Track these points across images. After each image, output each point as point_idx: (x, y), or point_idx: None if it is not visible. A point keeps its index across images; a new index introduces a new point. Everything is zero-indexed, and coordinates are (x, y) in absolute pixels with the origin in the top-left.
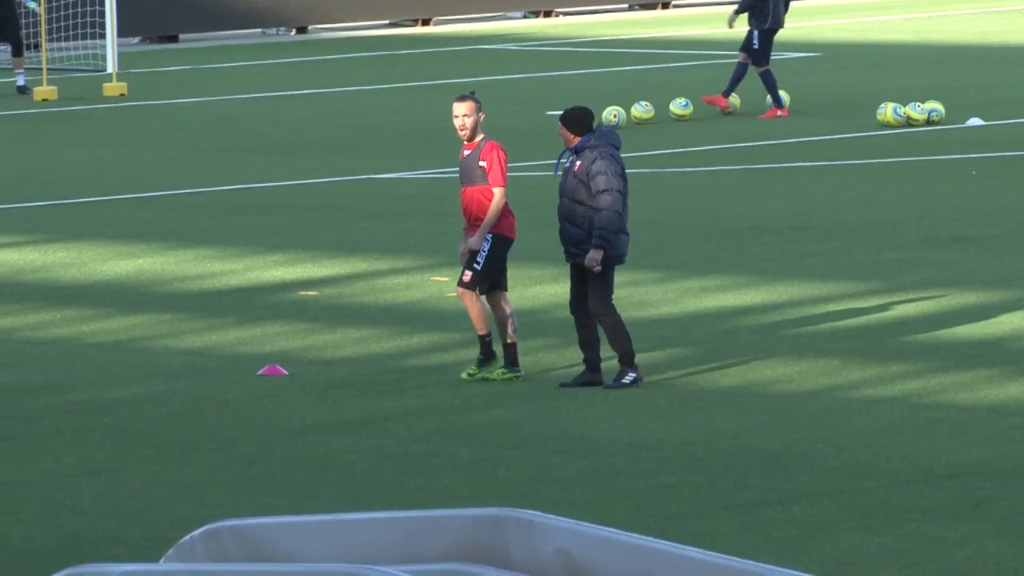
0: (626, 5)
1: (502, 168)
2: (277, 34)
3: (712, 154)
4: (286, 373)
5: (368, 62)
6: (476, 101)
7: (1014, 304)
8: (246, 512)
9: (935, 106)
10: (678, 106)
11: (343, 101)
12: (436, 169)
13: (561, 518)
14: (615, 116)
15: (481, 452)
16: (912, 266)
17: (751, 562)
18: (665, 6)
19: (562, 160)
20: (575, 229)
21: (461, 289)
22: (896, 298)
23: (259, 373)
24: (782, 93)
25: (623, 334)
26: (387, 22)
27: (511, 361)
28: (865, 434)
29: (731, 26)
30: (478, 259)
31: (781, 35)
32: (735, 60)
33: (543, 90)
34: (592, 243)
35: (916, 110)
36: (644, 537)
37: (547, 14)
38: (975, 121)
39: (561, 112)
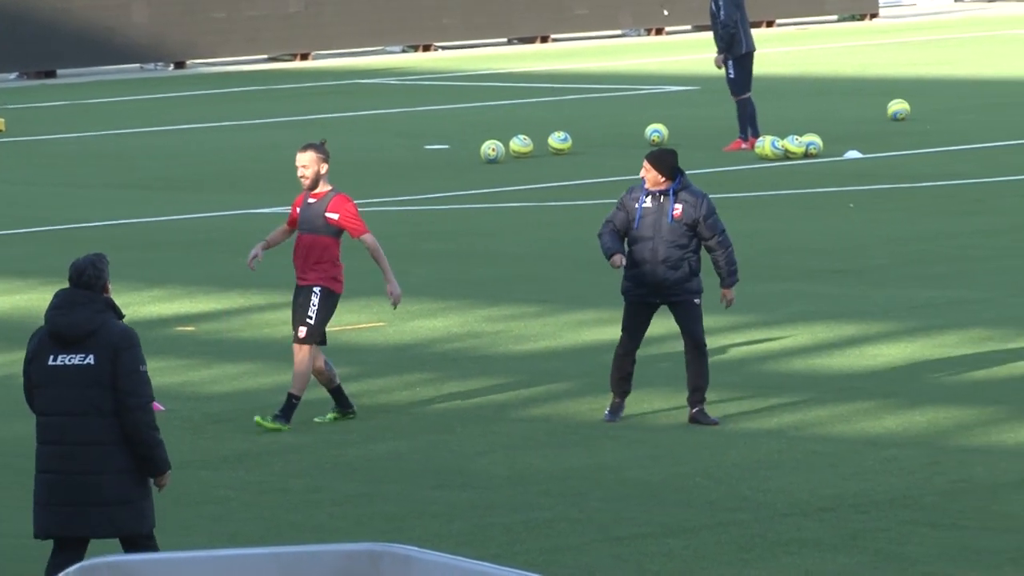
0: (505, 40)
1: (358, 216)
2: (155, 69)
3: (591, 187)
4: (163, 408)
5: (246, 97)
6: (320, 152)
7: (892, 336)
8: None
9: (813, 139)
10: (557, 140)
11: (221, 136)
12: None
13: (438, 553)
14: (493, 150)
15: (359, 487)
16: (791, 299)
17: None
18: (544, 40)
19: (644, 203)
20: (674, 272)
21: (299, 345)
22: (775, 331)
23: None
24: (660, 126)
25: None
26: (266, 57)
27: (344, 404)
28: (743, 467)
29: (719, 66)
30: (310, 314)
31: (660, 67)
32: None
33: (422, 124)
34: (729, 281)
35: (794, 143)
36: (521, 571)
37: (426, 48)
38: (853, 154)
39: (652, 153)
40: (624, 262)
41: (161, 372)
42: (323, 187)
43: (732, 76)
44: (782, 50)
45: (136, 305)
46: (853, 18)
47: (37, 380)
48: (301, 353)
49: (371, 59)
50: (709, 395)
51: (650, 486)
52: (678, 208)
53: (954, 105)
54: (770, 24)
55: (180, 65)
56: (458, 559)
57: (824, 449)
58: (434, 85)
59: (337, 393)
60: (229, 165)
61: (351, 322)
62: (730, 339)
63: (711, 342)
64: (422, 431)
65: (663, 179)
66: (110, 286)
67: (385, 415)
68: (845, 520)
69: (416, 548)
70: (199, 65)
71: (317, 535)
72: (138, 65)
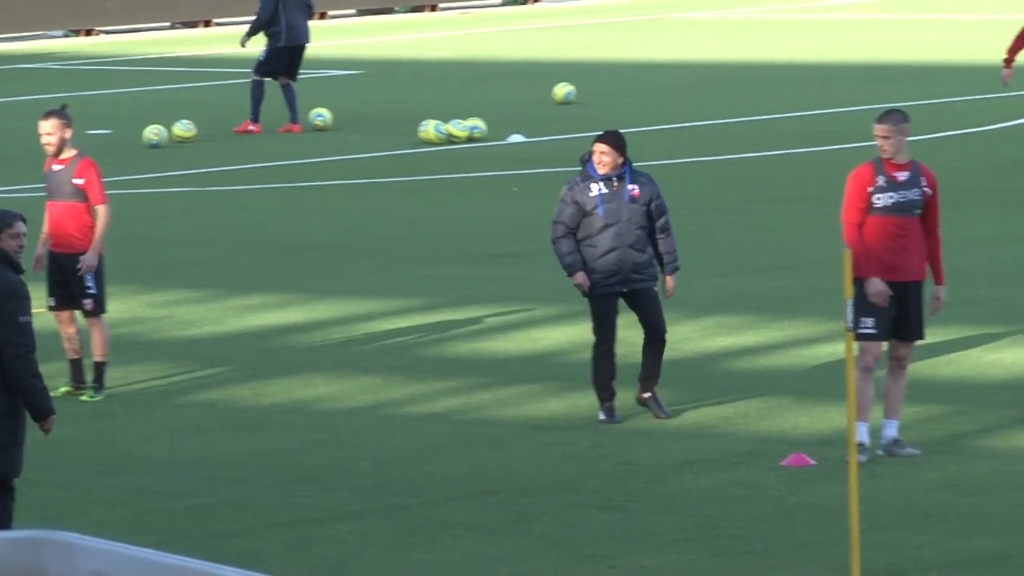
0: (168, 24)
1: (102, 185)
2: None
3: (256, 172)
4: None
5: None
6: (63, 118)
7: (554, 319)
8: None
9: (477, 123)
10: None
11: None
12: None
13: (99, 540)
14: (156, 135)
15: (23, 473)
16: (455, 283)
17: None
18: (207, 24)
19: (601, 189)
20: (640, 255)
21: (93, 319)
22: (438, 315)
23: None
24: (324, 110)
25: None
26: None
27: (80, 379)
28: (407, 451)
29: (243, 45)
30: (89, 285)
31: (324, 52)
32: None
33: (84, 109)
34: (671, 268)
35: (458, 127)
36: (184, 558)
37: (88, 32)
38: (516, 138)
39: (605, 136)
40: (588, 281)
41: None
42: (68, 152)
43: (263, 59)
44: (445, 34)
45: None
46: (516, 2)
47: None
48: (97, 326)
49: (32, 44)
50: (374, 381)
51: (315, 471)
52: (635, 188)
53: (617, 88)
54: (433, 8)
55: None
56: (121, 545)
57: (489, 433)
58: (96, 70)
59: (77, 366)
60: None
61: None
62: (395, 323)
63: (374, 326)
64: (85, 417)
65: (621, 160)
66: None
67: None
68: (510, 504)
69: (78, 535)
70: None
71: None
72: None
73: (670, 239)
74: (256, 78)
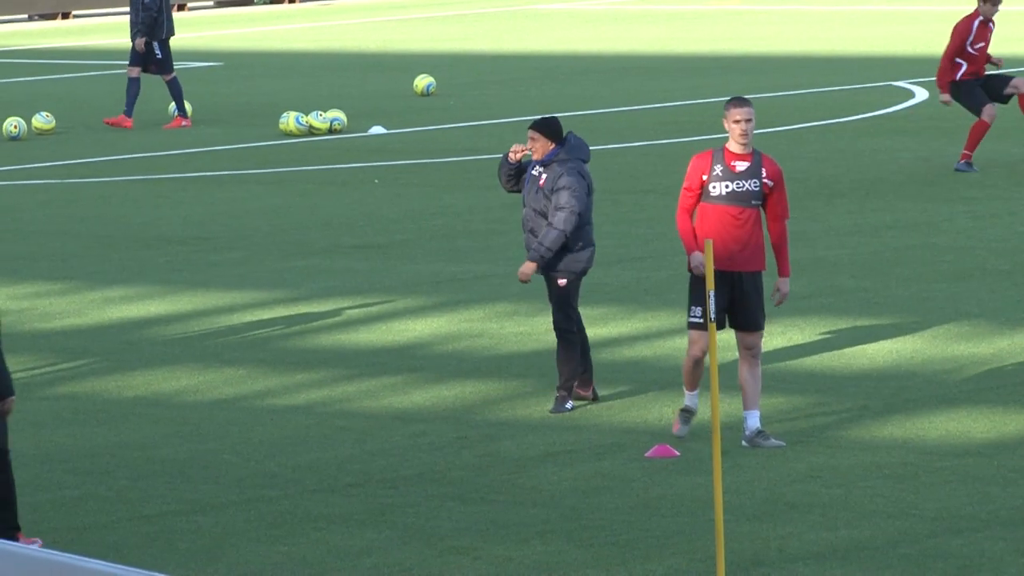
0: (26, 16)
1: None
2: None
3: (117, 164)
4: None
5: None
6: None
7: (418, 311)
8: None
9: (337, 115)
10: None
11: None
12: None
13: None
14: (16, 127)
15: None
16: (317, 275)
17: (156, 574)
18: (65, 16)
19: (532, 170)
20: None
21: None
22: (301, 307)
23: None
24: (185, 103)
25: (576, 357)
26: None
27: None
28: (271, 443)
29: (142, 49)
30: None
31: (183, 44)
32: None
33: None
34: (528, 256)
35: (318, 119)
36: (48, 551)
37: None
38: (377, 129)
39: (536, 121)
40: (516, 154)
41: None
42: None
43: (160, 57)
44: (304, 26)
45: None
46: None
47: None
48: None
49: None
50: (237, 373)
51: (177, 463)
52: (543, 178)
53: (476, 80)
54: (292, 0)
55: None
56: None
57: (352, 425)
58: None
59: None
60: None
61: None
62: (257, 315)
63: (236, 318)
64: None
65: (551, 146)
66: None
67: None
68: (373, 495)
69: None
70: None
71: None
72: None
73: (551, 228)
74: (169, 77)
